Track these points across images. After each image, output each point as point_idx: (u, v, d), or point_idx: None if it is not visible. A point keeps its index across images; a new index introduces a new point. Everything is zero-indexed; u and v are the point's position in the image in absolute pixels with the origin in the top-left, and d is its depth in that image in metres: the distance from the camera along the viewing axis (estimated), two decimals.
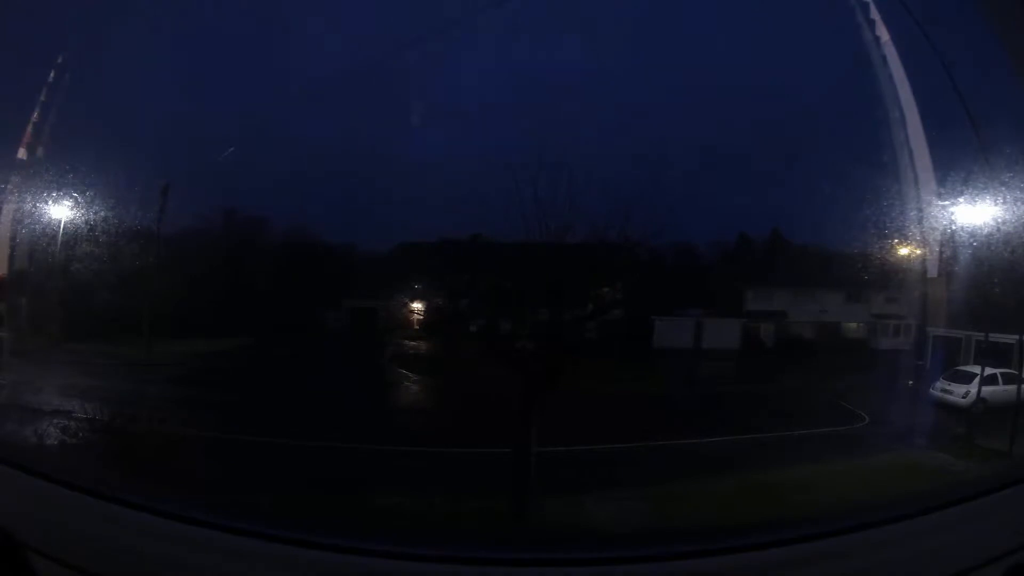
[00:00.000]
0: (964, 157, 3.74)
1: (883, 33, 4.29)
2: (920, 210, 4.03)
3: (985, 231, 3.75)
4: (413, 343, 6.27)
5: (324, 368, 5.71)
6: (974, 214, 3.82)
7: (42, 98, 4.10)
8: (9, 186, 3.96)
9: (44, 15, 3.93)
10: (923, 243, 4.21)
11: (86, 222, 4.26)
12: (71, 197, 4.13)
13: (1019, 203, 3.48)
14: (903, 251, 4.46)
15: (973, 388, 5.14)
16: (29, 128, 4.02)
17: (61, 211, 4.19)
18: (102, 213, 4.28)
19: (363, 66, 4.73)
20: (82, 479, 1.68)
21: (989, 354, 5.17)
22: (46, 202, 4.08)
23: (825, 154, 4.52)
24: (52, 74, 4.12)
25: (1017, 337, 4.84)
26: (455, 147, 5.07)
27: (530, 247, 5.00)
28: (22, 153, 4.01)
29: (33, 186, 4.00)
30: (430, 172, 5.07)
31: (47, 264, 4.49)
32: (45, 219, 4.13)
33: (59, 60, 4.10)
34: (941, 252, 4.15)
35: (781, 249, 5.91)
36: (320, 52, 4.67)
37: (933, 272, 4.55)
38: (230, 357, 5.66)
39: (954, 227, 3.94)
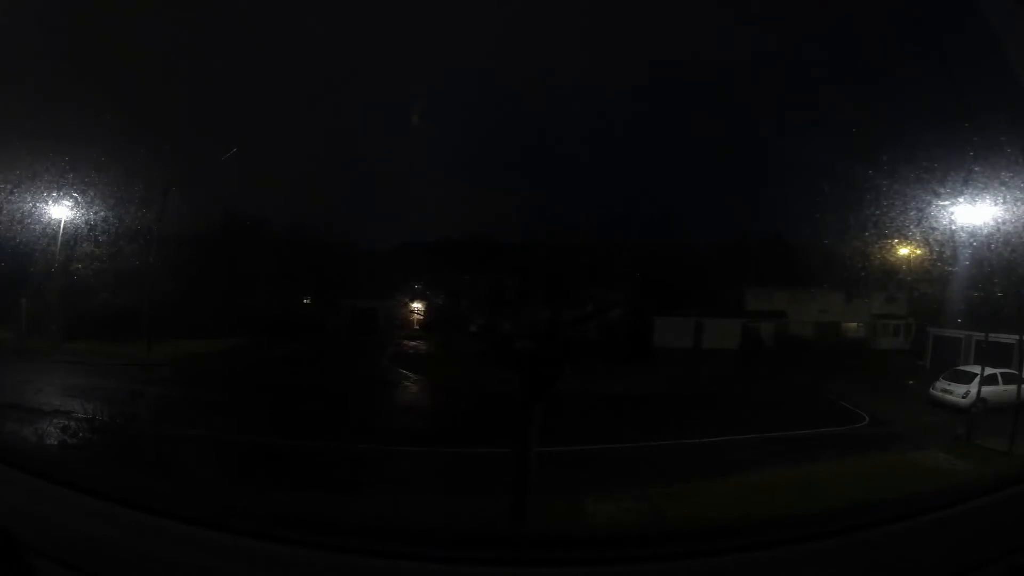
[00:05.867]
0: (964, 157, 3.74)
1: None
2: (920, 210, 4.02)
3: (985, 231, 3.75)
4: (413, 343, 6.28)
5: (324, 367, 5.71)
6: (974, 214, 3.82)
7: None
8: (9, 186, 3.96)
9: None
10: (923, 243, 4.21)
11: (86, 222, 4.27)
12: (71, 197, 4.14)
13: (1019, 203, 3.49)
14: (903, 251, 4.46)
15: (973, 388, 5.13)
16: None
17: (61, 211, 4.20)
18: (102, 213, 4.28)
19: (361, 65, 4.73)
20: (82, 479, 1.68)
21: (989, 354, 5.17)
22: (46, 202, 4.08)
23: (825, 153, 4.53)
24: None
25: (1017, 337, 4.84)
26: (454, 146, 5.07)
27: (530, 247, 5.00)
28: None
29: (33, 186, 4.00)
30: (430, 172, 5.07)
31: (47, 264, 4.49)
32: (45, 219, 4.13)
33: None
34: (941, 252, 4.15)
35: (781, 249, 5.91)
36: (318, 51, 4.67)
37: (933, 272, 4.55)
38: (230, 357, 5.66)
39: (954, 227, 3.94)
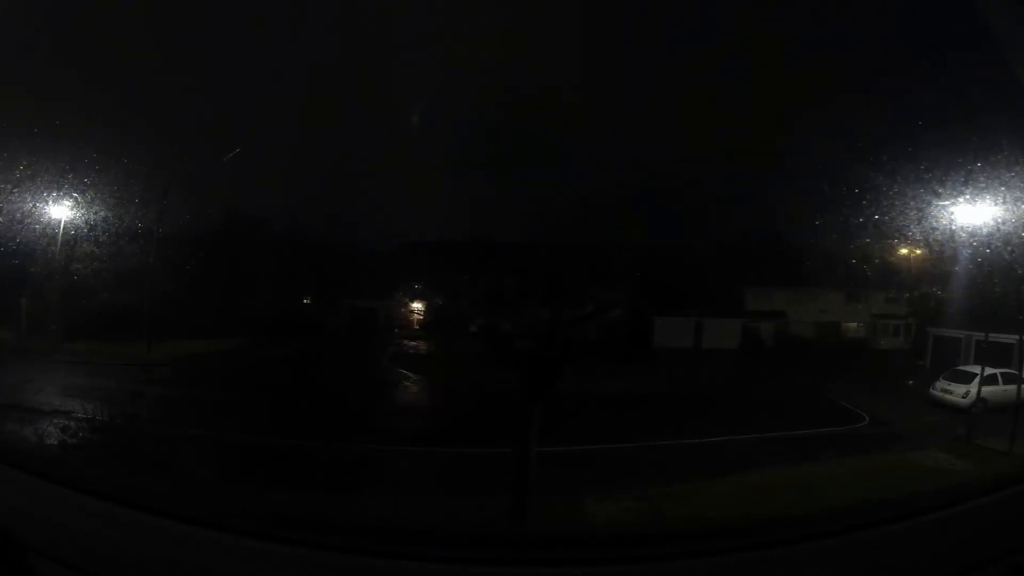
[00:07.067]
0: (964, 157, 3.74)
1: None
2: (920, 210, 4.02)
3: (985, 231, 3.75)
4: (413, 343, 6.28)
5: (324, 367, 5.71)
6: (974, 214, 3.82)
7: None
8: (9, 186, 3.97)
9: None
10: (923, 243, 4.21)
11: (86, 222, 4.27)
12: (71, 197, 4.14)
13: (1019, 203, 3.49)
14: (903, 251, 4.46)
15: (973, 388, 5.13)
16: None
17: (61, 211, 4.20)
18: (102, 213, 4.28)
19: (362, 66, 4.73)
20: (82, 479, 1.68)
21: (989, 354, 5.17)
22: (46, 202, 4.08)
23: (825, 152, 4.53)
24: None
25: (1017, 337, 4.84)
26: (454, 146, 5.07)
27: (530, 247, 5.01)
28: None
29: (33, 186, 4.00)
30: (430, 172, 5.08)
31: (47, 264, 4.49)
32: (45, 219, 4.13)
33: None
34: (941, 252, 4.15)
35: (781, 249, 5.91)
36: (319, 52, 4.67)
37: (933, 272, 4.56)
38: (230, 357, 5.67)
39: (954, 227, 3.94)
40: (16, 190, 3.98)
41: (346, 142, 5.13)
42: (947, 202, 3.89)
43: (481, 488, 3.65)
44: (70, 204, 4.17)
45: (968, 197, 3.77)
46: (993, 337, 5.21)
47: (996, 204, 3.61)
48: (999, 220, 3.61)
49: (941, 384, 5.42)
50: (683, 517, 3.47)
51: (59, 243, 4.32)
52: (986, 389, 5.06)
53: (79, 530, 1.48)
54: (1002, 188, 3.49)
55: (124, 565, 1.41)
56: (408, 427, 5.15)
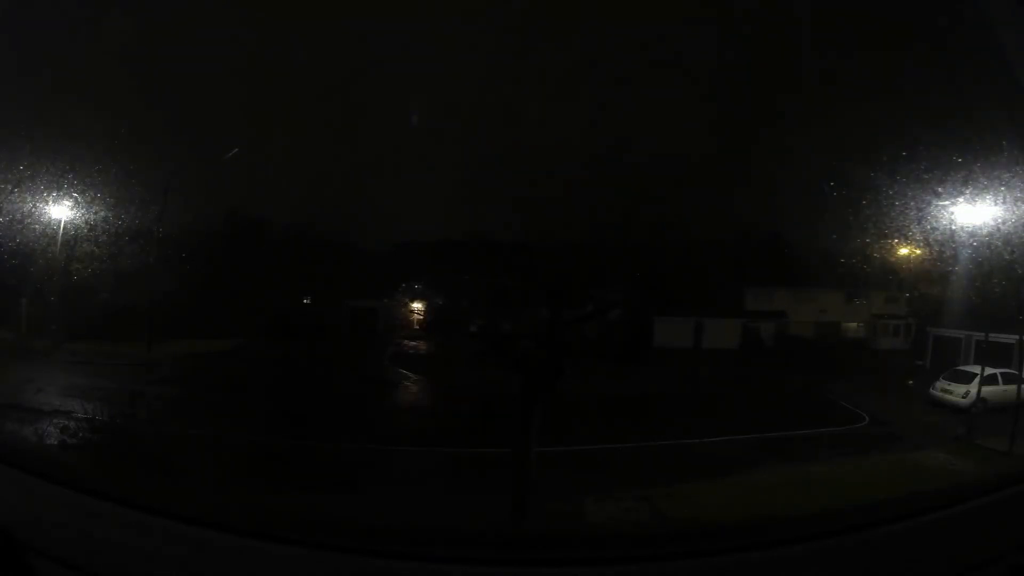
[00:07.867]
0: (964, 157, 3.74)
1: None
2: (920, 210, 4.03)
3: (985, 231, 3.75)
4: (413, 343, 6.28)
5: (324, 367, 5.71)
6: (974, 214, 3.82)
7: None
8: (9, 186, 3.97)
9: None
10: (923, 243, 4.21)
11: (86, 222, 4.27)
12: (71, 197, 4.14)
13: (1019, 203, 3.49)
14: (903, 251, 4.46)
15: (973, 388, 5.14)
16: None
17: (61, 211, 4.20)
18: (102, 213, 4.29)
19: (363, 65, 4.73)
20: (82, 479, 1.68)
21: (989, 354, 5.17)
22: (46, 202, 4.08)
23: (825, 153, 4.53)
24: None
25: (1017, 337, 4.84)
26: (455, 147, 5.07)
27: (530, 247, 5.01)
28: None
29: (33, 186, 4.00)
30: (430, 172, 5.08)
31: (47, 264, 4.49)
32: (45, 219, 4.13)
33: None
34: (941, 252, 4.15)
35: (781, 249, 5.91)
36: (320, 50, 4.67)
37: (933, 272, 4.56)
38: (230, 357, 5.66)
39: (954, 227, 3.94)
40: (16, 190, 3.98)
41: (346, 143, 5.13)
42: (947, 202, 3.89)
43: (481, 488, 3.64)
44: (70, 204, 4.17)
45: (968, 197, 3.77)
46: (993, 337, 5.21)
47: (996, 204, 3.61)
48: (999, 220, 3.61)
49: (941, 384, 5.43)
50: (683, 517, 3.48)
51: (59, 243, 4.32)
52: (986, 389, 5.06)
53: (79, 530, 1.48)
54: (1002, 188, 3.49)
55: (124, 565, 1.40)
56: (408, 427, 5.14)
